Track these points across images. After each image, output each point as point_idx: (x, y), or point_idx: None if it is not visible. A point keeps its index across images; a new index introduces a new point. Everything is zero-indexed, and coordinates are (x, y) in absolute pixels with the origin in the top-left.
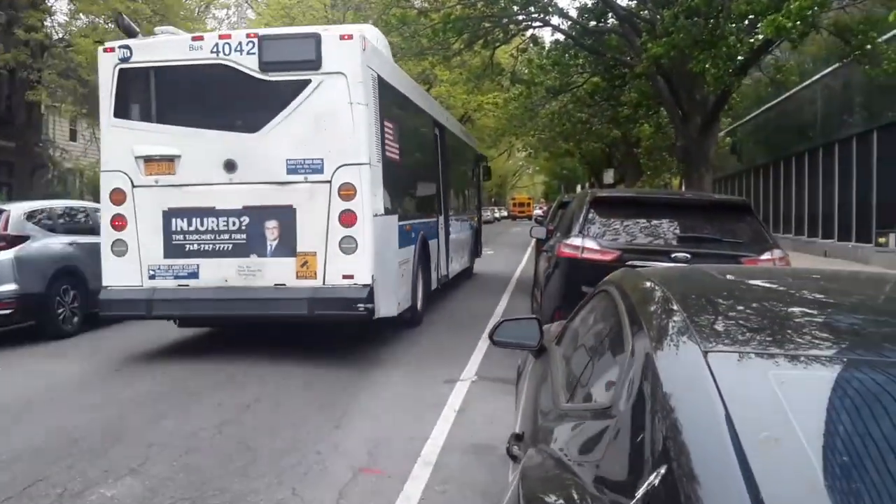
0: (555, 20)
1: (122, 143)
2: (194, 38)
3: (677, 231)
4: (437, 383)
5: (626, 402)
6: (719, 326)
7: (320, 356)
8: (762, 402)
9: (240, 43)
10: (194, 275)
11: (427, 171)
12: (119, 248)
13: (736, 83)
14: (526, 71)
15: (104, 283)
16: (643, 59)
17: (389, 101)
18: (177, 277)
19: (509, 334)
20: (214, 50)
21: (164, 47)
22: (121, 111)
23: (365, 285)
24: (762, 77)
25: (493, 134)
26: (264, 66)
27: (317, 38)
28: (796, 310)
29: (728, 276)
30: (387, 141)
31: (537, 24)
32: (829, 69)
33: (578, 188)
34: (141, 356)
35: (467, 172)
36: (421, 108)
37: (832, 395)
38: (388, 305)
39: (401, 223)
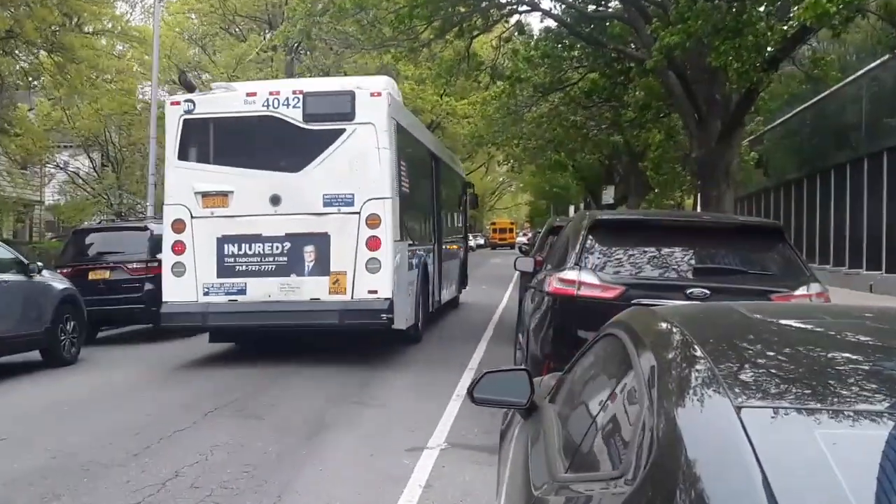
0: (545, 3)
1: (183, 182)
2: (248, 94)
3: (693, 262)
4: (399, 452)
5: (641, 471)
6: (751, 376)
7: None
8: (807, 468)
9: (287, 98)
10: (242, 291)
11: (426, 201)
12: (178, 269)
13: (764, 79)
14: (509, 65)
15: (164, 299)
16: (653, 50)
17: (403, 142)
18: (227, 294)
19: (493, 389)
20: (265, 104)
21: (222, 101)
22: (183, 154)
23: (387, 299)
24: (796, 72)
25: (469, 143)
26: (307, 118)
27: (352, 95)
28: (840, 356)
29: (758, 316)
30: (402, 177)
31: (524, 8)
32: (878, 62)
33: (572, 210)
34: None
35: (456, 201)
36: (422, 143)
37: (887, 459)
38: (399, 320)
39: (409, 249)
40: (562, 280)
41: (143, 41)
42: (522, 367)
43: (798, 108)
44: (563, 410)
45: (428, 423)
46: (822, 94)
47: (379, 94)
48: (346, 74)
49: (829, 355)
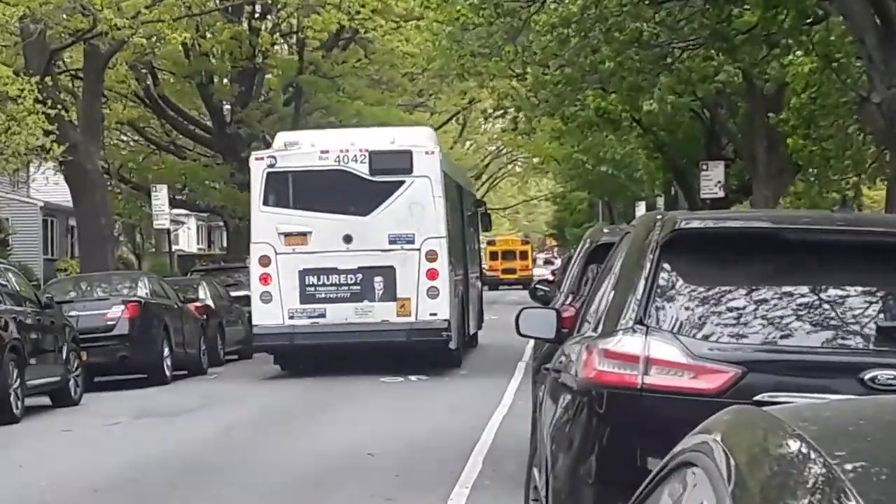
0: None
1: (267, 224)
2: (322, 151)
3: (877, 314)
4: None
5: None
6: None
7: None
8: None
9: (355, 155)
10: (322, 315)
11: (459, 234)
12: (266, 298)
13: None
14: None
15: (254, 323)
16: None
17: (450, 188)
18: (310, 318)
19: None
20: (336, 160)
21: (299, 157)
22: (267, 201)
23: (445, 320)
24: None
25: (423, 72)
26: (373, 171)
27: (410, 154)
28: None
29: None
30: (449, 217)
31: None
32: None
33: (639, 210)
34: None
35: (475, 227)
36: (455, 181)
37: None
38: (454, 339)
39: (454, 279)
40: (611, 356)
41: None
42: None
43: None
44: None
45: None
46: None
47: (432, 153)
48: None
49: None
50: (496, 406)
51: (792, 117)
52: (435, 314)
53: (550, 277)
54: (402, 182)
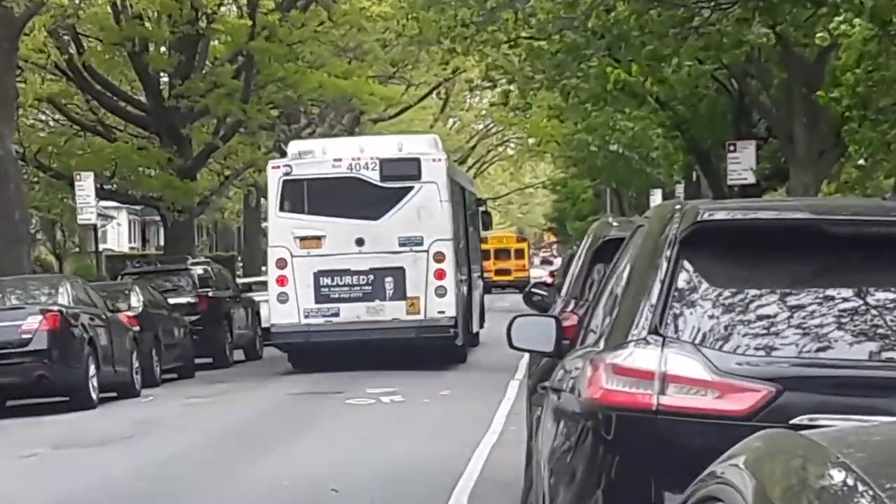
0: None
1: (284, 228)
2: (335, 160)
3: None
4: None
5: None
6: None
7: None
8: None
9: (366, 163)
10: (336, 314)
11: (463, 235)
12: (282, 298)
13: None
14: None
15: (272, 322)
16: None
17: (455, 192)
18: (324, 316)
19: None
20: (349, 167)
21: (313, 165)
22: (283, 207)
23: (452, 317)
24: None
25: (397, 37)
26: (383, 178)
27: (419, 161)
28: None
29: None
30: (454, 219)
31: None
32: None
33: (654, 200)
34: None
35: (475, 226)
36: (460, 184)
37: None
38: (460, 336)
39: (460, 278)
40: (621, 372)
41: None
42: None
43: None
44: None
45: None
46: None
47: (439, 161)
48: None
49: None
50: (484, 432)
51: (846, 95)
52: (443, 312)
53: (549, 280)
54: (411, 188)
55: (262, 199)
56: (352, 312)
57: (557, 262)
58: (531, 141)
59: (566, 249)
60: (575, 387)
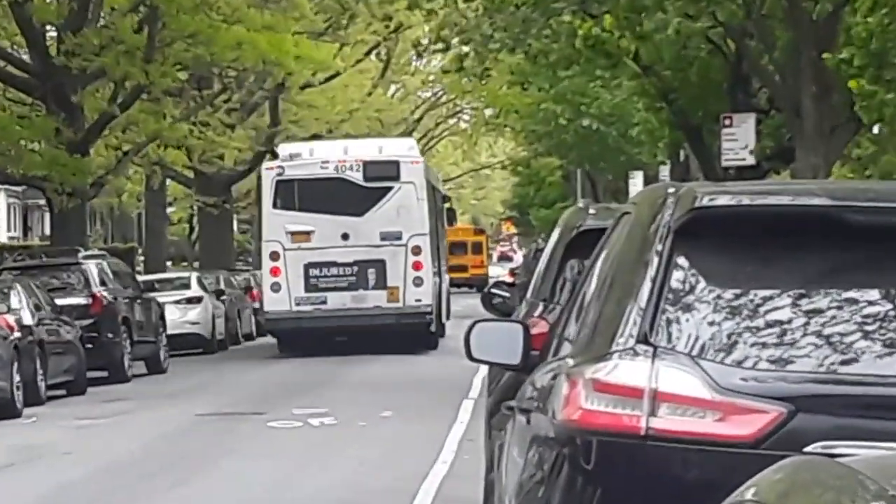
0: None
1: (277, 224)
2: (323, 162)
3: None
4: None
5: None
6: None
7: None
8: None
9: (351, 165)
10: (324, 302)
11: (434, 231)
12: (275, 287)
13: None
14: None
15: (266, 309)
16: None
17: (429, 191)
18: (313, 304)
19: None
20: (336, 169)
21: (304, 167)
22: (276, 204)
23: (428, 304)
24: None
25: None
26: (366, 178)
27: (398, 163)
28: None
29: None
30: (430, 216)
31: None
32: None
33: (635, 184)
34: None
35: (442, 222)
36: (432, 183)
37: None
38: (433, 323)
39: (433, 270)
40: (603, 389)
41: None
42: None
43: None
44: None
45: None
46: None
47: (417, 163)
48: None
49: None
50: (432, 461)
51: (858, 55)
52: (420, 300)
53: (509, 279)
54: (391, 188)
55: (168, 180)
56: (338, 300)
57: (518, 257)
58: (488, 112)
59: (529, 243)
60: (547, 407)
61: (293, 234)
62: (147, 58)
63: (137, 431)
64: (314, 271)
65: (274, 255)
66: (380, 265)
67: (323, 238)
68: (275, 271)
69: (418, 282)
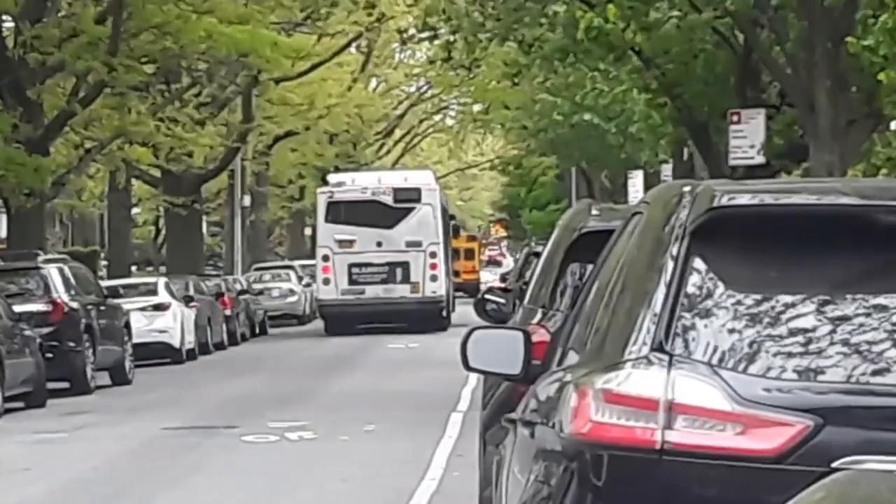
0: None
1: (328, 234)
2: (362, 188)
3: None
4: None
5: None
6: None
7: None
8: None
9: (384, 191)
10: (362, 293)
11: (445, 241)
12: (326, 281)
13: None
14: None
15: (319, 298)
16: None
17: (442, 211)
18: (354, 294)
19: None
20: (372, 193)
21: (348, 192)
22: (327, 219)
23: (441, 295)
24: None
25: None
26: (395, 201)
27: (419, 190)
28: None
29: None
30: (443, 230)
31: None
32: None
33: (634, 184)
34: None
35: (449, 235)
36: (443, 205)
37: None
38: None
39: (444, 269)
40: (615, 400)
41: None
42: None
43: None
44: None
45: None
46: None
47: (434, 190)
48: None
49: None
50: (419, 479)
51: (885, 43)
52: (435, 292)
53: (501, 284)
54: (414, 208)
55: (133, 180)
56: (373, 291)
57: (508, 261)
58: (476, 108)
59: (520, 246)
60: (554, 419)
61: (340, 241)
62: (111, 50)
63: (100, 446)
64: (355, 270)
65: (325, 258)
66: (405, 265)
67: (362, 245)
68: (326, 269)
69: (434, 278)
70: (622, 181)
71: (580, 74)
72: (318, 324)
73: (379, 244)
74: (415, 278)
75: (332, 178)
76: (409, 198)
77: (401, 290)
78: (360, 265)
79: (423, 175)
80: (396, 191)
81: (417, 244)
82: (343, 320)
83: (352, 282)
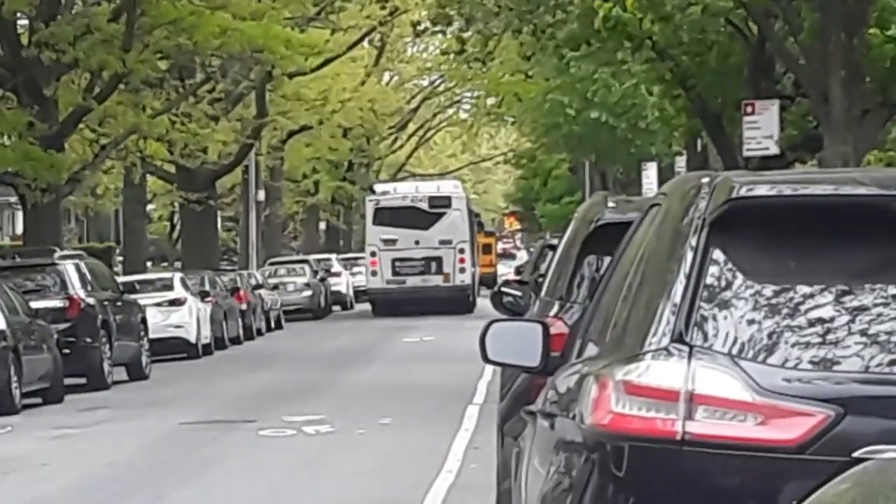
0: None
1: (375, 234)
2: (403, 196)
3: None
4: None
5: None
6: None
7: None
8: None
9: (421, 198)
10: (404, 283)
11: (472, 238)
12: (374, 273)
13: None
14: None
15: (368, 287)
16: None
17: (469, 214)
18: (397, 284)
19: None
20: (410, 200)
21: (391, 199)
22: (374, 222)
23: (468, 284)
24: None
25: None
26: (430, 207)
27: (450, 198)
28: None
29: None
30: (469, 230)
31: None
32: None
33: (648, 176)
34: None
35: (474, 232)
36: (470, 208)
37: None
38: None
39: (471, 262)
40: (635, 392)
41: None
42: None
43: None
44: None
45: None
46: None
47: (462, 197)
48: None
49: None
50: (436, 471)
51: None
52: (463, 281)
53: (516, 277)
54: (445, 212)
55: (148, 176)
56: (412, 281)
57: (522, 254)
58: (489, 101)
59: (534, 239)
60: (574, 411)
61: (385, 240)
62: (125, 47)
63: (117, 442)
64: (398, 263)
65: (373, 253)
66: (438, 260)
67: (403, 243)
68: (374, 263)
69: (462, 270)
70: (636, 173)
71: (588, 71)
72: (333, 318)
73: (417, 242)
74: (446, 270)
75: (378, 187)
76: (441, 204)
77: (435, 280)
78: (401, 260)
79: (452, 185)
80: (431, 199)
81: (448, 242)
82: (388, 305)
83: (395, 273)
